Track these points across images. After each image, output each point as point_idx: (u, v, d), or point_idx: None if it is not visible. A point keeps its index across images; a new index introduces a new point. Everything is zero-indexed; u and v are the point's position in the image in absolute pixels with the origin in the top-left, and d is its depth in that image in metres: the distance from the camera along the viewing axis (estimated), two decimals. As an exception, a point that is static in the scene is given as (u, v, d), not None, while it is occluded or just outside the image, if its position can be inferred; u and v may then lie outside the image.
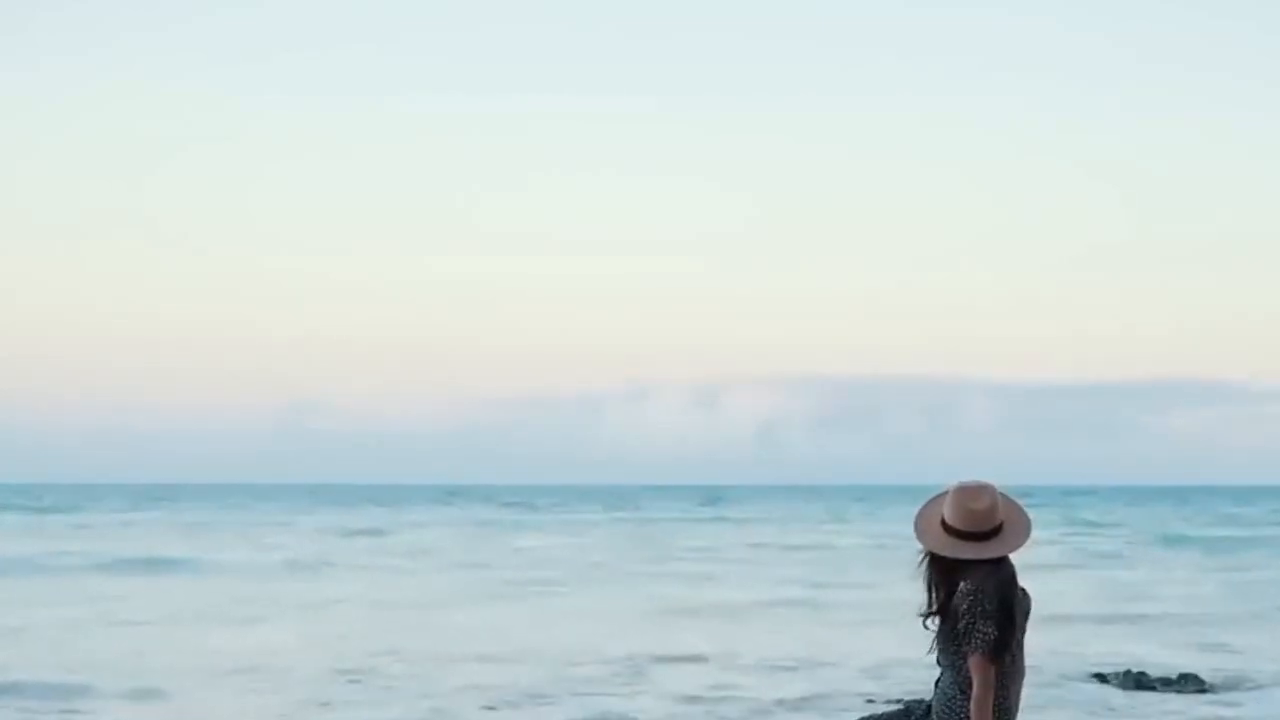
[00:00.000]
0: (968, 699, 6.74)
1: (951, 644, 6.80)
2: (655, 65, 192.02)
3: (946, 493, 6.97)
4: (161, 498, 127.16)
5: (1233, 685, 20.67)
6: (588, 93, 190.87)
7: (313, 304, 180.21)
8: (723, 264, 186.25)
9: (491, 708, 17.97)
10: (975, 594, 6.72)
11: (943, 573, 6.89)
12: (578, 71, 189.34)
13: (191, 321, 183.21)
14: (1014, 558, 6.93)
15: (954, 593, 6.80)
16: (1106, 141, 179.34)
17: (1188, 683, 20.38)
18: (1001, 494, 6.97)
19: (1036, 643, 22.42)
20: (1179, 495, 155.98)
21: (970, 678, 6.74)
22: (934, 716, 6.91)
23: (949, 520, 6.86)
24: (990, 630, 6.69)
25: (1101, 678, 20.91)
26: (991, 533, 6.85)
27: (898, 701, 18.06)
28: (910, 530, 7.05)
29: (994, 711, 6.72)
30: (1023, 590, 6.92)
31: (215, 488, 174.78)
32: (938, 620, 6.89)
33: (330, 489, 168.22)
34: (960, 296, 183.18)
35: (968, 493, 6.87)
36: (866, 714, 7.82)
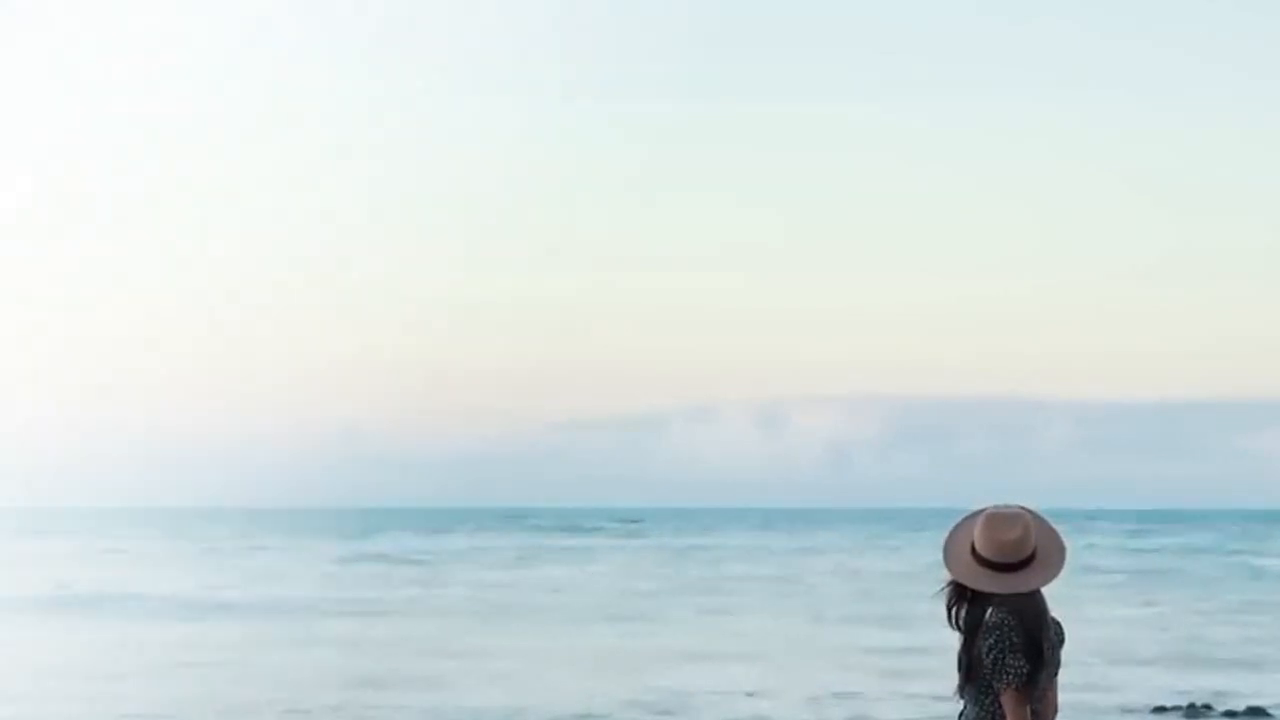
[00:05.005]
0: (990, 733, 6.71)
1: (977, 677, 6.77)
2: (667, 67, 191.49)
3: (979, 514, 6.92)
4: (184, 522, 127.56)
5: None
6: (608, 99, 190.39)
7: (351, 321, 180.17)
8: (759, 278, 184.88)
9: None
10: (1001, 627, 6.69)
11: (969, 603, 6.85)
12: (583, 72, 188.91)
13: (219, 335, 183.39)
14: (1049, 590, 6.88)
15: (979, 624, 6.76)
16: (1150, 151, 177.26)
17: (1255, 715, 20.30)
18: (1037, 519, 6.91)
19: (1097, 676, 22.25)
20: (1265, 519, 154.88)
21: (993, 712, 6.71)
22: (958, 751, 6.88)
23: (979, 549, 6.81)
24: (1021, 664, 6.67)
25: (1163, 710, 20.83)
26: (1022, 564, 6.80)
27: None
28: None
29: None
30: (1055, 621, 6.87)
31: (243, 512, 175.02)
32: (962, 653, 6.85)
33: (381, 513, 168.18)
34: (1007, 309, 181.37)
35: (999, 521, 6.82)
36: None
